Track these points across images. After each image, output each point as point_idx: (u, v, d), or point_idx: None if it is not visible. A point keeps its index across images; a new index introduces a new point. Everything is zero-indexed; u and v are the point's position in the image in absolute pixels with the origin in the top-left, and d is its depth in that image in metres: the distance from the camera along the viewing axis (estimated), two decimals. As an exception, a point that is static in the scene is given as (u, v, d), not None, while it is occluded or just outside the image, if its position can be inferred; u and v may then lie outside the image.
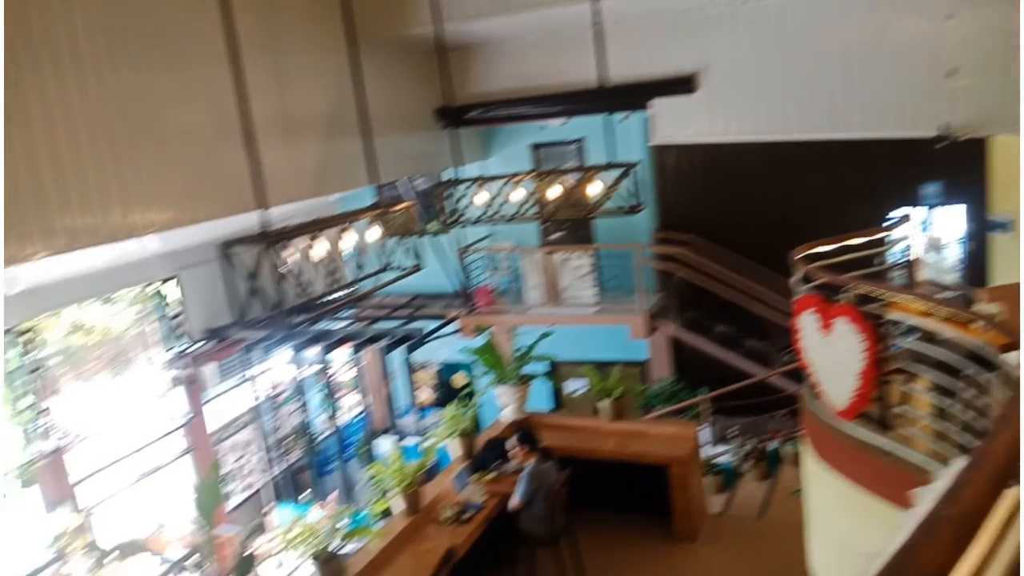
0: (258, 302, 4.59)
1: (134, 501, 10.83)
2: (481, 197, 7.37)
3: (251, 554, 4.29)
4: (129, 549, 4.38)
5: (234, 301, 5.04)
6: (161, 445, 10.93)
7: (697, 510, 6.77)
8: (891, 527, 2.74)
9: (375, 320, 10.82)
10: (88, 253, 7.63)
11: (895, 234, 5.54)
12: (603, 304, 10.34)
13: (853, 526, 4.04)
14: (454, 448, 6.89)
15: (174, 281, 10.92)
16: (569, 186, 7.15)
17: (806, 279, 4.52)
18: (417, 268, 5.97)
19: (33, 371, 9.19)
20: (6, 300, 8.59)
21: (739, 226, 10.55)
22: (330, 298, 5.25)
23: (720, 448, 9.25)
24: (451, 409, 6.98)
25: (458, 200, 7.52)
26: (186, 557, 4.43)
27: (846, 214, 6.60)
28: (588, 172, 7.13)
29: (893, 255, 5.70)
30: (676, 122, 8.52)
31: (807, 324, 4.43)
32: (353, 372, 12.22)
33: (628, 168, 7.02)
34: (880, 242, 5.22)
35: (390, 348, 10.01)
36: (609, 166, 7.07)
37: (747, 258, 10.27)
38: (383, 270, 5.87)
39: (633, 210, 7.10)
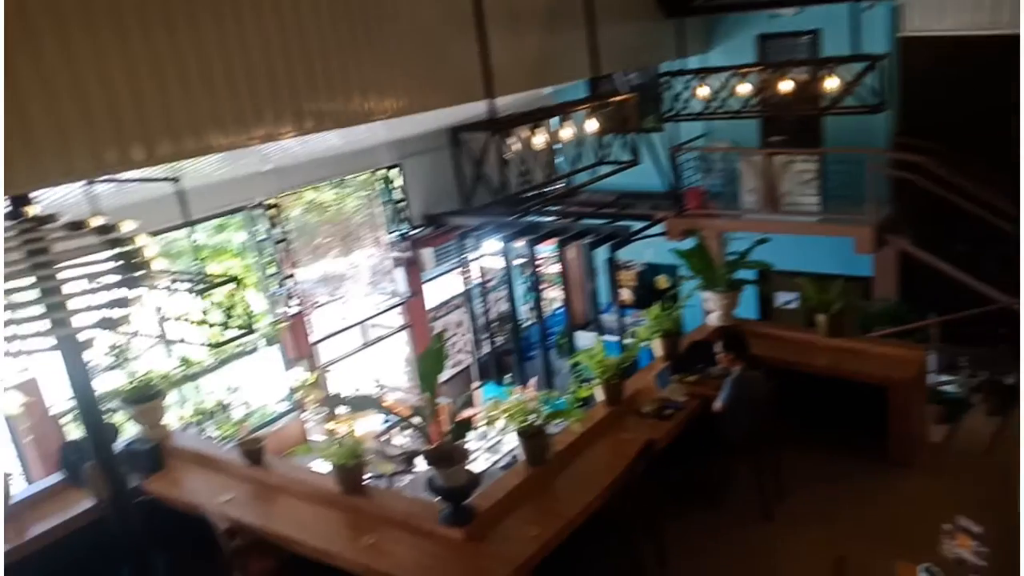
0: (482, 188, 4.75)
1: (360, 365, 12.04)
2: (703, 91, 7.05)
3: (468, 419, 4.60)
4: (359, 404, 4.89)
5: (455, 187, 5.26)
6: (383, 319, 11.96)
7: (917, 436, 6.34)
8: None
9: (581, 217, 10.88)
10: (327, 136, 8.27)
11: None
12: (826, 213, 9.65)
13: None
14: (657, 347, 6.90)
15: (398, 169, 11.60)
16: (803, 80, 6.60)
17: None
18: (634, 163, 5.87)
19: (278, 243, 10.26)
20: (260, 176, 9.58)
21: (994, 138, 9.25)
22: (547, 189, 5.32)
23: (946, 377, 8.51)
24: (655, 309, 6.95)
25: (678, 94, 7.24)
26: (409, 417, 4.85)
27: None
28: (826, 64, 6.53)
29: None
30: (932, 10, 7.51)
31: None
32: (557, 266, 12.48)
33: (873, 61, 6.34)
34: None
35: (594, 245, 10.06)
36: (851, 59, 6.42)
37: (998, 174, 9.05)
38: (599, 163, 5.82)
39: (875, 109, 6.48)
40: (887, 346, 7.07)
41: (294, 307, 10.47)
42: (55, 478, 6.08)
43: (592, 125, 5.84)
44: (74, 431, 8.17)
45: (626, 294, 12.50)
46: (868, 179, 9.19)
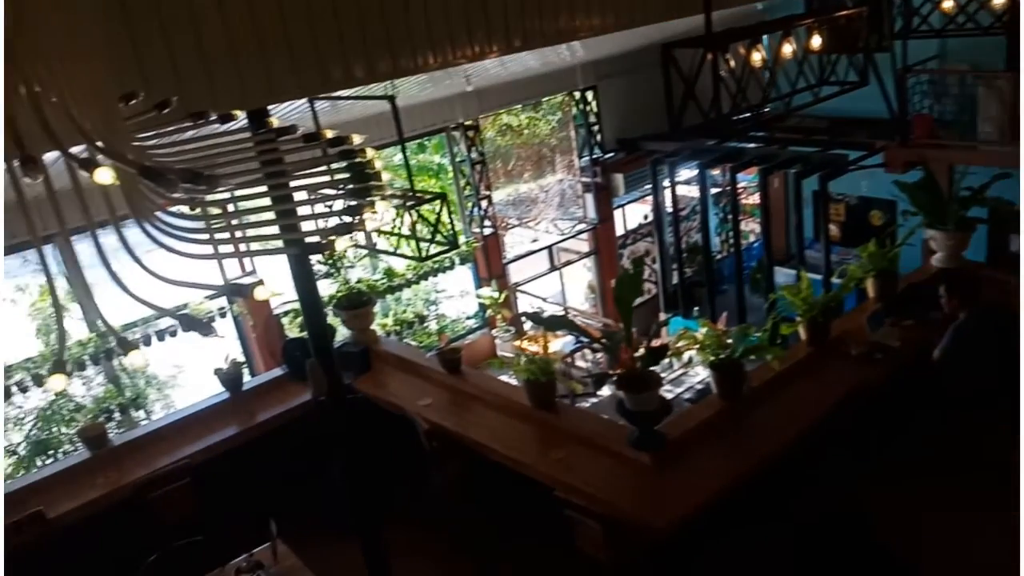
0: (692, 109, 4.53)
1: (547, 287, 12.26)
2: (948, 3, 6.21)
3: (663, 346, 4.54)
4: (554, 324, 4.95)
5: (651, 110, 5.05)
6: (571, 243, 12.03)
7: None
8: None
9: (788, 144, 10.16)
10: (525, 57, 8.24)
11: None
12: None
13: None
14: (869, 287, 6.41)
15: (592, 91, 11.39)
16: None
17: None
18: (861, 83, 5.34)
19: (474, 164, 10.52)
20: (460, 98, 9.79)
21: None
22: (762, 111, 4.98)
23: None
24: (870, 246, 6.42)
25: (917, 8, 6.43)
26: (601, 340, 4.86)
27: None
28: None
29: None
30: None
31: None
32: (756, 197, 11.85)
33: None
34: None
35: (803, 175, 9.38)
36: None
37: None
38: (820, 84, 5.36)
39: None
40: None
41: (487, 228, 10.77)
42: (277, 372, 6.76)
43: (815, 42, 5.35)
44: (294, 330, 9.02)
45: (833, 230, 11.66)
46: None
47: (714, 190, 11.79)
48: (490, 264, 10.92)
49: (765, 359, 5.30)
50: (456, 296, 11.26)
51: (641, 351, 4.63)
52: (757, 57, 4.79)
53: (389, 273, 10.07)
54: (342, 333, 7.13)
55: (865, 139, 9.70)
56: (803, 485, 4.92)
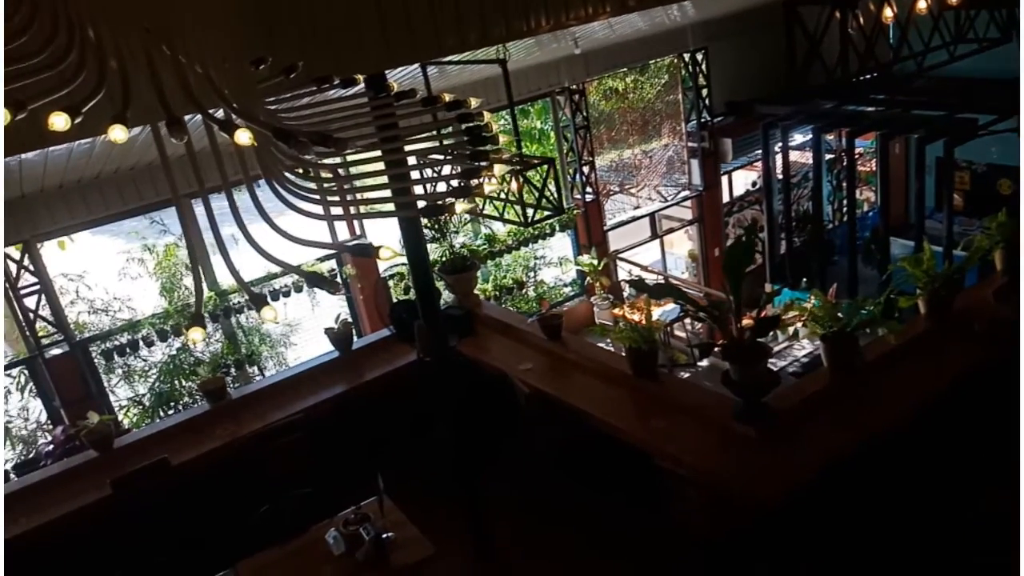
0: (815, 70, 4.31)
1: (647, 255, 12.11)
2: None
3: (776, 316, 4.40)
4: (659, 292, 4.87)
5: (763, 73, 4.84)
6: (674, 211, 11.80)
7: None
8: None
9: (911, 107, 9.56)
10: (633, 19, 8.04)
11: None
12: None
13: None
14: (997, 259, 5.99)
15: (702, 54, 11.03)
16: None
17: None
18: (1004, 40, 4.94)
19: (577, 129, 10.41)
20: (565, 62, 9.68)
21: None
22: (890, 70, 4.69)
23: None
24: (1000, 216, 5.99)
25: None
26: (706, 309, 4.76)
27: None
28: None
29: None
30: None
31: None
32: (873, 163, 11.26)
33: None
34: None
35: (926, 140, 8.83)
36: None
37: None
38: (957, 41, 4.99)
39: None
40: None
41: (589, 194, 10.67)
42: (384, 333, 6.96)
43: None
44: (398, 294, 9.26)
45: (955, 199, 10.97)
46: None
47: (830, 155, 11.26)
48: (590, 231, 10.85)
49: (879, 333, 5.06)
50: (555, 263, 11.26)
51: (750, 321, 4.51)
52: (889, 13, 4.50)
53: (490, 239, 10.17)
54: (446, 297, 7.27)
55: (999, 102, 9.02)
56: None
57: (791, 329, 10.11)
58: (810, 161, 10.72)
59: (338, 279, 9.31)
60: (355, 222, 8.07)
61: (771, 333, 8.46)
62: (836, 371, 4.98)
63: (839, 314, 4.97)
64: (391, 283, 9.47)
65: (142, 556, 4.70)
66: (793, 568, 4.57)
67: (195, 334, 1.88)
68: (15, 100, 1.49)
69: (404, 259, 9.11)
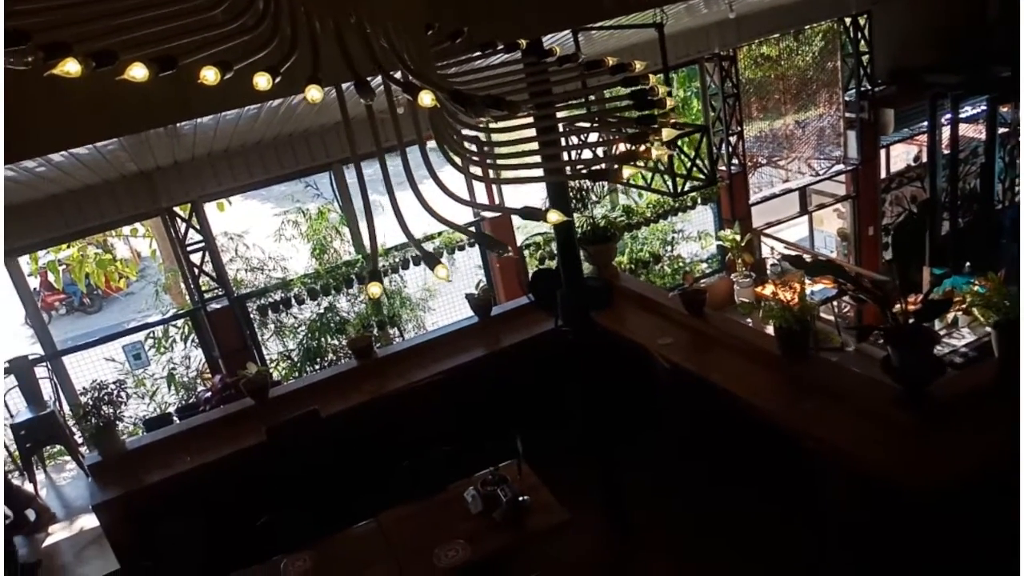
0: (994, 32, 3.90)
1: (795, 233, 11.56)
2: None
3: (947, 300, 4.10)
4: (818, 270, 4.62)
5: (934, 37, 4.42)
6: (826, 185, 11.17)
7: None
8: None
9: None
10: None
11: None
12: None
13: None
14: None
15: (865, 16, 10.30)
16: None
17: None
18: None
19: (727, 98, 10.01)
20: (716, 27, 9.31)
21: None
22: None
23: None
24: None
25: None
26: (868, 289, 4.48)
27: None
28: None
29: None
30: None
31: None
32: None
33: None
34: None
35: None
36: None
37: None
38: None
39: None
40: None
41: (735, 165, 10.28)
42: (523, 300, 7.03)
43: None
44: (533, 264, 9.31)
45: None
46: None
47: (1001, 130, 10.28)
48: (734, 205, 10.45)
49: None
50: (694, 237, 10.92)
51: (917, 305, 4.21)
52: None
53: (628, 211, 10.01)
54: (585, 268, 7.23)
55: None
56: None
57: (950, 316, 9.39)
58: (978, 135, 9.84)
59: (472, 246, 9.44)
60: (494, 188, 8.13)
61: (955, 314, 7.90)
62: (1006, 362, 4.57)
63: (1006, 301, 4.55)
64: (526, 253, 9.53)
65: (290, 502, 5.01)
66: (941, 563, 4.28)
67: (374, 288, 1.97)
68: (221, 61, 1.57)
69: (540, 229, 9.12)
